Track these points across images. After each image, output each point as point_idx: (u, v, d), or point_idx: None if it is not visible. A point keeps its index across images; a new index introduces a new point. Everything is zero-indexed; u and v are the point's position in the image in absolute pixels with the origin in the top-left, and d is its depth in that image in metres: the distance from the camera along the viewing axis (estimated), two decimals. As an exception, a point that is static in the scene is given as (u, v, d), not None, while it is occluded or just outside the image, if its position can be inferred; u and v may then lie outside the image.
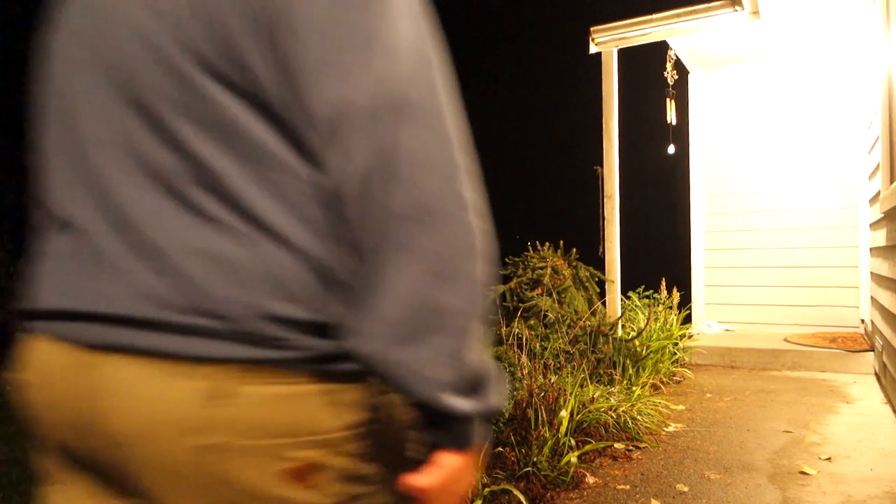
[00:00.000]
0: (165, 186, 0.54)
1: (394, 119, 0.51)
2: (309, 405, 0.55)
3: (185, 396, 0.52)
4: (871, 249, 4.83)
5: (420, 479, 0.60)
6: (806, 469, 2.73)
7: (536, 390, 3.02)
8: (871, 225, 4.76)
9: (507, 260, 5.05)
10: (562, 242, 5.10)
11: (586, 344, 4.13)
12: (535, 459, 2.67)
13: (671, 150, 5.77)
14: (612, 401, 3.37)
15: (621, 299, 5.11)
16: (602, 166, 5.12)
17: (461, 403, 0.57)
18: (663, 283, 5.41)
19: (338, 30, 0.51)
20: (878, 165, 4.06)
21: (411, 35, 0.54)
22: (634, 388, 3.72)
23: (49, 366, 0.58)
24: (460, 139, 0.57)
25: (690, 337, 5.06)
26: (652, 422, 3.40)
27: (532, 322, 4.21)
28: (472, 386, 0.58)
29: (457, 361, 0.56)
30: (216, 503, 0.53)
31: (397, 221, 0.52)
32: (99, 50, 0.57)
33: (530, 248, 5.05)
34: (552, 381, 3.21)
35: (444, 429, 0.59)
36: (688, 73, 6.51)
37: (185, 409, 0.52)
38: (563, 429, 2.84)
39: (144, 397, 0.52)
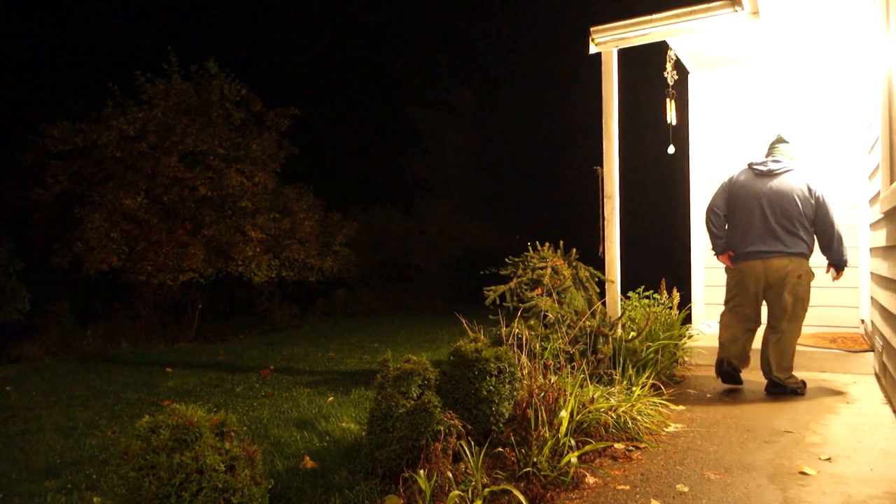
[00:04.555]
0: (785, 230, 4.11)
1: (837, 228, 4.11)
2: (805, 264, 4.14)
3: (799, 263, 4.12)
4: (870, 250, 4.83)
5: (838, 277, 4.25)
6: (806, 469, 2.73)
7: (536, 390, 3.02)
8: (871, 225, 4.76)
9: (507, 260, 5.05)
10: (562, 242, 5.09)
11: (586, 344, 4.13)
12: (535, 459, 2.67)
13: (671, 150, 5.77)
14: (612, 401, 3.36)
15: (621, 299, 5.11)
16: (602, 166, 5.11)
17: (845, 263, 4.17)
18: (663, 283, 5.40)
19: (831, 214, 4.11)
20: (877, 166, 4.06)
21: (831, 207, 4.13)
22: (634, 389, 3.72)
23: (754, 267, 4.20)
24: (839, 227, 4.15)
25: (690, 337, 5.05)
26: (652, 422, 3.40)
27: (532, 322, 4.20)
28: (844, 260, 4.15)
29: (844, 258, 4.14)
30: (789, 285, 4.10)
31: (835, 240, 4.11)
32: (780, 202, 4.14)
33: (530, 248, 5.05)
34: (552, 381, 3.21)
35: (841, 267, 4.19)
36: (688, 73, 6.51)
37: (798, 267, 4.11)
38: (563, 429, 2.83)
39: (781, 264, 4.11)
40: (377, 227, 15.09)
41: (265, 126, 10.87)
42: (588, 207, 6.37)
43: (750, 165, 4.35)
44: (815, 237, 4.16)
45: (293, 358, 7.02)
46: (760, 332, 4.39)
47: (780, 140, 4.45)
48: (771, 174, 4.23)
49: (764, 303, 4.31)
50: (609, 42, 5.05)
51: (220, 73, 10.18)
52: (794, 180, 4.16)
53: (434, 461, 2.44)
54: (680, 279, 6.00)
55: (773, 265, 4.12)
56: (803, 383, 4.19)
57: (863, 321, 5.57)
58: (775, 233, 4.10)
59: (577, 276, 4.92)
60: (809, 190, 4.11)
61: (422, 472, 2.40)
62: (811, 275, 4.14)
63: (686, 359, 4.93)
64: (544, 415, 2.87)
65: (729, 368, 4.31)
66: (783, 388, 4.13)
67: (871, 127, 4.79)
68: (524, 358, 3.47)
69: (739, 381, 4.37)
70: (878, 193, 4.11)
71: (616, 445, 3.06)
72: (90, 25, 16.39)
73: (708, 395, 4.21)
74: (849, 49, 5.69)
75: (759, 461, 2.87)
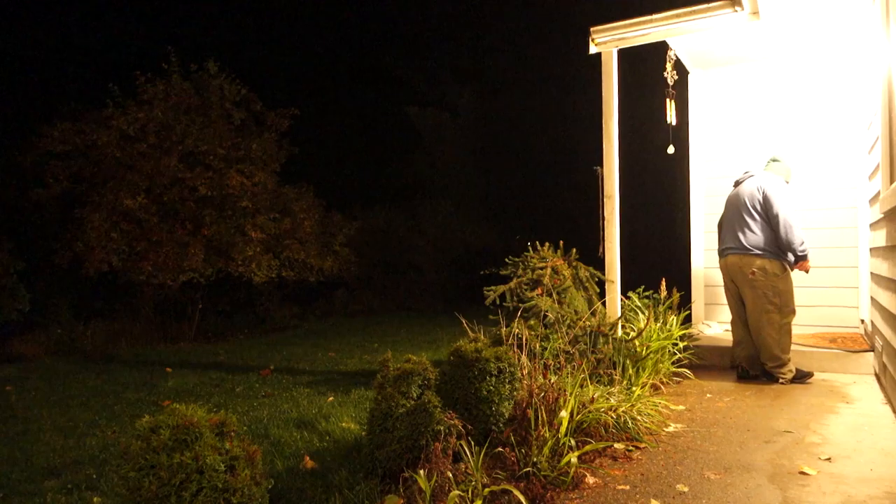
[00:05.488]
0: (740, 228, 4.61)
1: (783, 219, 4.43)
2: (757, 261, 4.51)
3: (749, 259, 4.53)
4: (870, 249, 4.83)
5: (801, 267, 4.55)
6: (806, 469, 2.73)
7: (536, 390, 3.02)
8: (870, 225, 4.76)
9: (507, 260, 5.05)
10: (562, 243, 5.09)
11: (586, 344, 4.13)
12: (535, 459, 2.67)
13: (671, 150, 5.77)
14: (612, 401, 3.36)
15: (621, 299, 5.11)
16: (602, 166, 5.11)
17: (802, 252, 4.45)
18: (663, 283, 5.41)
19: (774, 206, 4.46)
20: (877, 166, 4.06)
21: (783, 203, 4.47)
22: (634, 389, 3.72)
23: (730, 262, 4.67)
24: (790, 220, 4.47)
25: (690, 337, 5.05)
26: (652, 422, 3.40)
27: (532, 322, 4.20)
28: (801, 251, 4.44)
29: (794, 247, 4.42)
30: (746, 280, 4.55)
31: (786, 232, 4.41)
32: (737, 205, 4.68)
33: (530, 248, 5.05)
34: (552, 381, 3.21)
35: (799, 258, 4.48)
36: (688, 73, 6.51)
37: (749, 262, 4.54)
38: (563, 429, 2.83)
39: (733, 260, 4.63)
40: (377, 227, 15.07)
41: (265, 126, 10.87)
42: (588, 207, 6.38)
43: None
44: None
45: (293, 358, 7.02)
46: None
47: (773, 159, 4.89)
48: (737, 184, 4.86)
49: None
50: (609, 42, 5.05)
51: (220, 73, 10.17)
52: (750, 184, 4.68)
53: (434, 461, 2.44)
54: (680, 279, 5.99)
55: (729, 262, 4.69)
56: (795, 372, 4.53)
57: (863, 321, 5.57)
58: (735, 233, 4.66)
59: (577, 276, 4.92)
60: (758, 188, 4.56)
61: (422, 472, 2.40)
62: (772, 272, 4.49)
63: (686, 359, 4.93)
64: (544, 415, 2.87)
65: (742, 372, 4.75)
66: (767, 374, 4.58)
67: (870, 127, 4.79)
68: (524, 358, 3.47)
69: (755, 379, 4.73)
70: (878, 193, 4.11)
71: (616, 445, 3.07)
72: (90, 25, 16.39)
73: (708, 395, 4.21)
74: (849, 49, 5.69)
75: (759, 461, 2.87)
